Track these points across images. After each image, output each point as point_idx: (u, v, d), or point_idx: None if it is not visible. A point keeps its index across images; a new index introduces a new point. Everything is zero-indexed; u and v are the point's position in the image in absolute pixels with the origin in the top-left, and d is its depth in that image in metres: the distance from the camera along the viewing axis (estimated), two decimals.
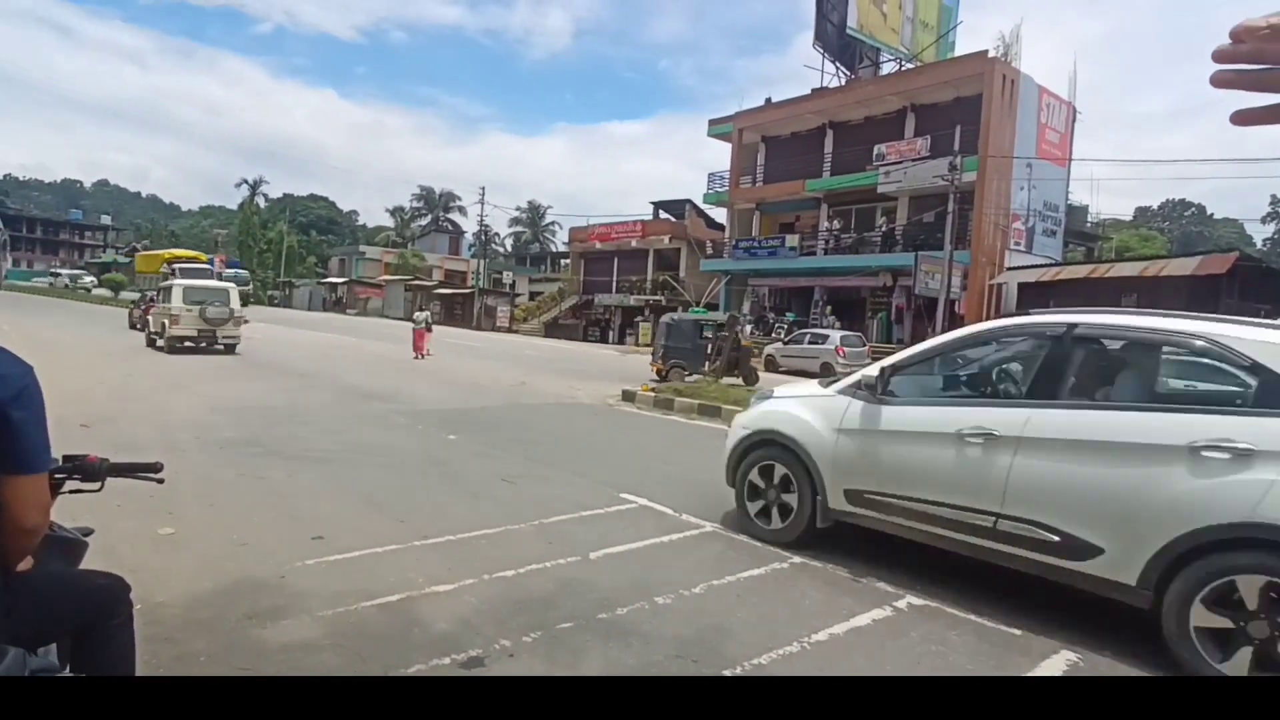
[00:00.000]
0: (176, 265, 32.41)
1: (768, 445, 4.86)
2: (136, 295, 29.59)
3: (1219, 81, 0.79)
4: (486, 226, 50.07)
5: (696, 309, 31.58)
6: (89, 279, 56.74)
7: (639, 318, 34.44)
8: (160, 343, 16.38)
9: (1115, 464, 3.36)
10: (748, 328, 16.64)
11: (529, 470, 6.62)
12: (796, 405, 4.88)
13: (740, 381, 15.07)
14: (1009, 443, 3.65)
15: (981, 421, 3.79)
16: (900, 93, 26.39)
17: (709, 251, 33.20)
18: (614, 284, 37.59)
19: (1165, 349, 3.73)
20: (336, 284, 57.25)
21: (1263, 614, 2.92)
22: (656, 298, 34.46)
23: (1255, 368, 3.20)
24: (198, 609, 3.40)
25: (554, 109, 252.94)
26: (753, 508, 4.93)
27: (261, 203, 71.91)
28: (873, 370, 4.38)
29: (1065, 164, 26.19)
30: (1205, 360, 3.51)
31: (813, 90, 30.22)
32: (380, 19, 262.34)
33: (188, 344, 15.91)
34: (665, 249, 35.67)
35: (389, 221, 70.50)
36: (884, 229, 26.42)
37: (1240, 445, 3.03)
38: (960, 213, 21.32)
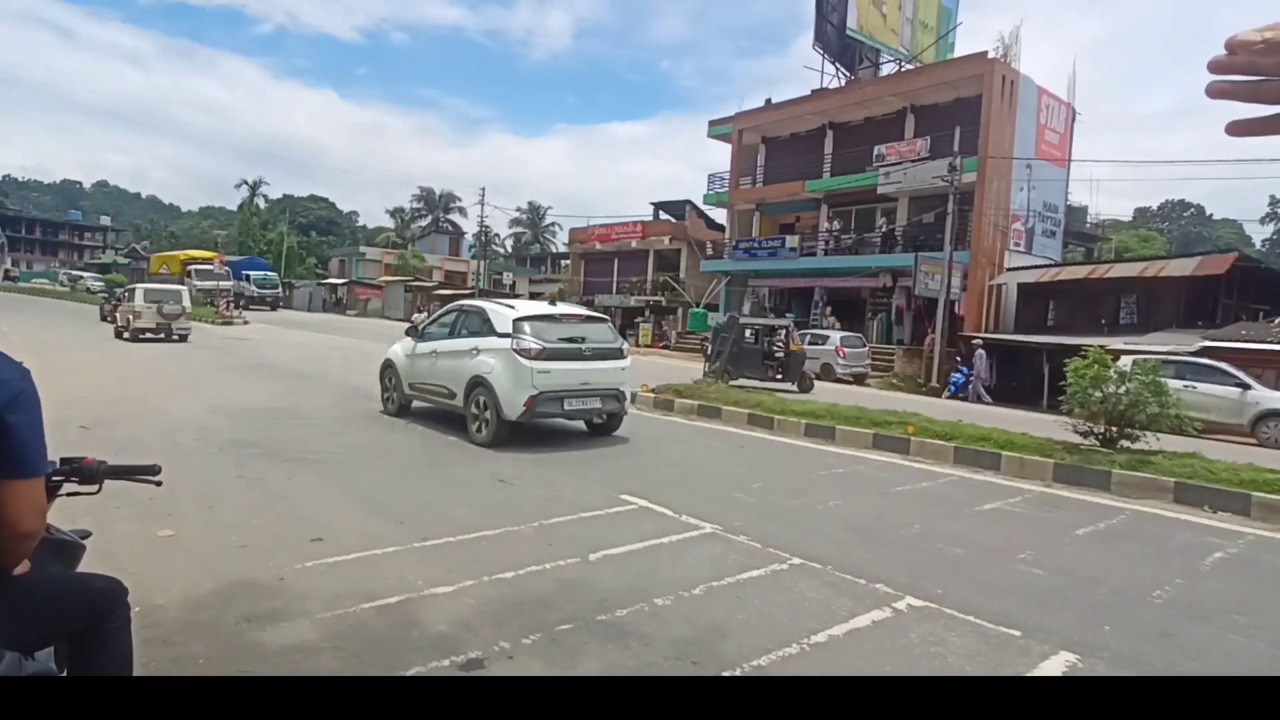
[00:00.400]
0: (193, 267, 34.93)
1: (390, 368, 9.45)
2: (106, 294, 32.77)
3: (1214, 92, 0.79)
4: (487, 227, 50.07)
5: (696, 310, 31.59)
6: (89, 279, 56.77)
7: (639, 318, 34.41)
8: (126, 334, 19.45)
9: (459, 359, 8.17)
10: (797, 332, 16.38)
11: (529, 471, 6.62)
12: (398, 346, 9.50)
13: (794, 388, 14.80)
14: (440, 354, 8.53)
15: (436, 347, 8.66)
16: (900, 93, 26.40)
17: (709, 252, 33.19)
18: (614, 285, 37.57)
19: (473, 311, 8.60)
20: (336, 285, 57.18)
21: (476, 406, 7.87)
22: (657, 298, 34.46)
23: (486, 318, 8.17)
24: (196, 611, 3.40)
25: (555, 110, 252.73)
26: (384, 396, 9.61)
27: (261, 204, 71.84)
28: (414, 324, 10.52)
29: (1065, 165, 26.19)
30: (480, 317, 8.36)
31: (812, 91, 30.21)
32: (381, 20, 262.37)
33: (148, 335, 19.20)
34: (665, 250, 35.66)
35: (389, 222, 70.44)
36: (884, 230, 26.41)
37: (478, 346, 7.93)
38: (960, 213, 21.31)
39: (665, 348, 30.78)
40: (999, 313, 23.49)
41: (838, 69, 30.07)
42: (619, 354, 8.34)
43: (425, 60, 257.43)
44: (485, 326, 8.07)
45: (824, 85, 30.30)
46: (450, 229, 65.30)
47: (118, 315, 20.75)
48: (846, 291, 26.96)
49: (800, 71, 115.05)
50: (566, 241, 47.14)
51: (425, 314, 21.08)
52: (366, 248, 64.13)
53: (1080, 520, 5.96)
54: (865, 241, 26.83)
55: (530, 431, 8.84)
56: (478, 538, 4.65)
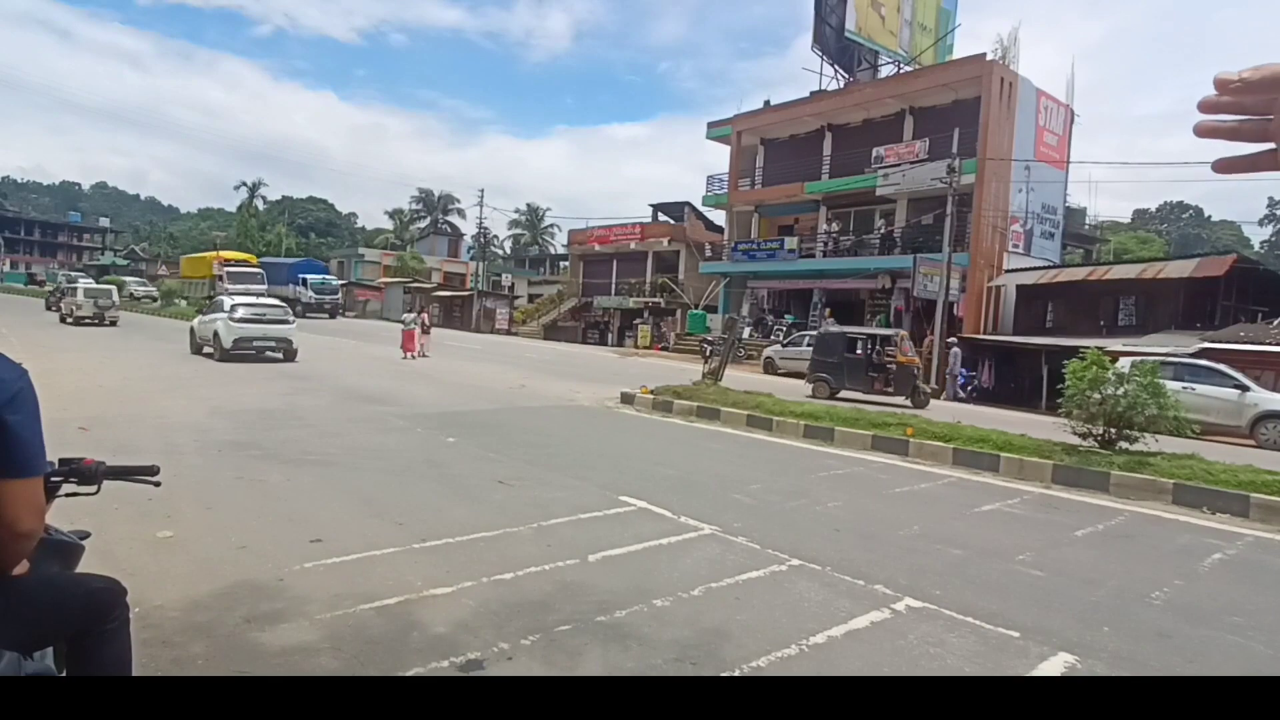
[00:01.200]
0: (228, 269, 34.75)
1: (191, 330, 17.23)
2: (51, 288, 36.94)
3: (1201, 131, 0.81)
4: (485, 229, 50.06)
5: (695, 311, 31.61)
6: (87, 280, 56.73)
7: (638, 320, 34.44)
8: (69, 320, 24.88)
9: (212, 323, 16.50)
10: (908, 341, 15.64)
11: (528, 473, 6.62)
12: (199, 318, 17.21)
13: (909, 404, 13.88)
14: (205, 321, 16.94)
15: (206, 318, 16.91)
16: (899, 95, 26.44)
17: (708, 254, 33.22)
18: (613, 286, 37.58)
19: (218, 299, 18.50)
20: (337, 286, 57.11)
21: None
22: (655, 300, 34.48)
23: (222, 303, 17.10)
24: (196, 612, 3.40)
25: (554, 111, 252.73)
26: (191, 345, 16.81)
27: (260, 205, 71.78)
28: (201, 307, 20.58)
29: (1064, 167, 26.23)
30: (221, 302, 17.39)
31: (811, 93, 30.26)
32: (380, 21, 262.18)
33: (86, 321, 24.52)
34: (664, 251, 35.69)
35: (388, 224, 70.37)
36: (883, 231, 26.46)
37: (217, 317, 16.57)
38: (959, 215, 21.32)
39: (664, 349, 30.79)
40: (998, 314, 23.51)
41: (836, 71, 30.11)
42: (287, 322, 16.65)
43: (424, 62, 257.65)
44: (221, 307, 16.45)
45: (823, 87, 30.35)
46: (449, 230, 65.25)
47: (62, 305, 26.76)
48: (845, 293, 27.00)
49: (799, 73, 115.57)
50: (565, 243, 47.16)
51: (414, 313, 22.03)
52: (365, 249, 64.11)
53: (1079, 521, 5.97)
54: (864, 243, 26.88)
55: (530, 434, 8.85)
56: (476, 539, 4.65)
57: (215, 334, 15.71)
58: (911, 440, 8.52)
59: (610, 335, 36.18)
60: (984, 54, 24.65)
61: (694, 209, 36.40)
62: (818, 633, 3.49)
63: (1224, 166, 0.84)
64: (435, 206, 67.52)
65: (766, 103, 31.74)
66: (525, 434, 8.79)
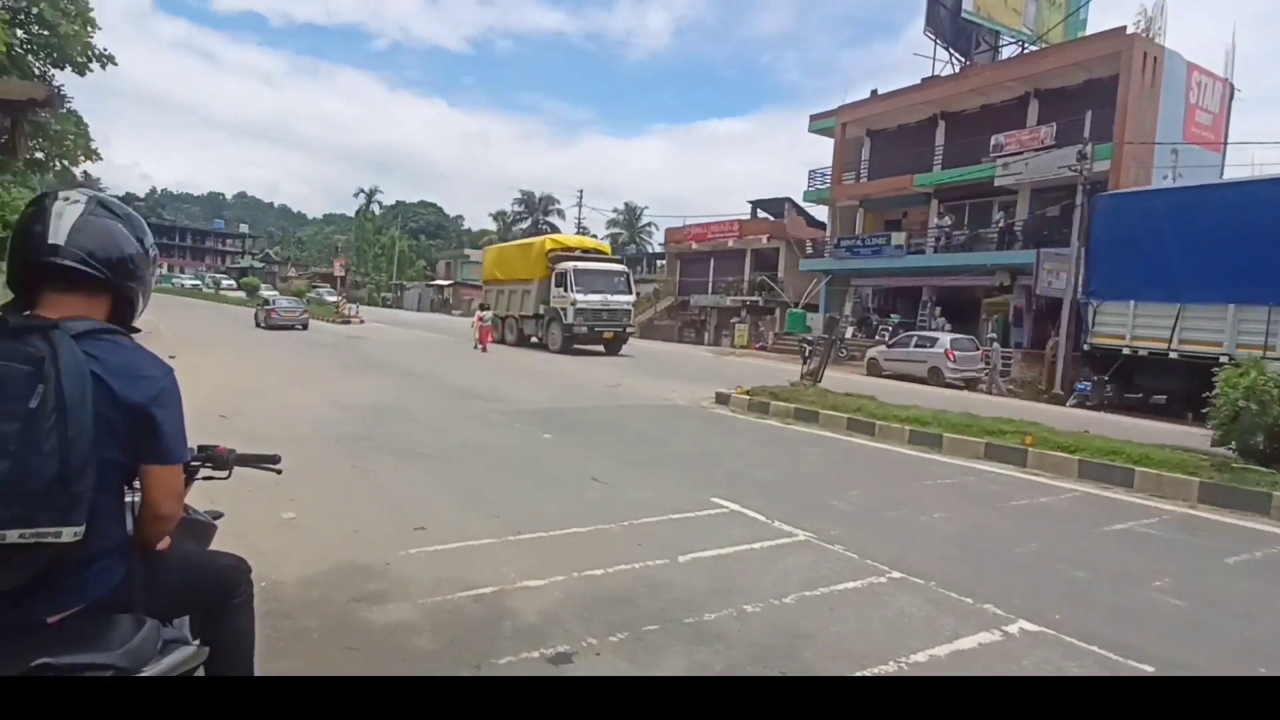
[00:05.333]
0: (574, 265, 21.56)
1: None
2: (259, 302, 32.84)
3: None
4: (584, 228, 51.08)
5: (794, 310, 30.90)
6: (225, 283, 62.29)
7: (735, 319, 34.07)
8: (262, 325, 26.50)
9: None
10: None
11: (621, 471, 6.66)
12: None
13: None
14: None
15: None
16: (1022, 78, 24.73)
17: (809, 251, 32.39)
18: (710, 284, 37.36)
19: None
20: (443, 286, 60.11)
21: None
22: (754, 298, 33.98)
23: None
24: (311, 589, 3.64)
25: (652, 110, 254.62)
26: None
27: (376, 210, 76.44)
28: None
29: (1220, 148, 23.66)
30: None
31: (923, 80, 28.84)
32: (487, 29, 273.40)
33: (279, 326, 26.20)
34: (763, 249, 35.11)
35: (492, 225, 73.14)
36: (1001, 225, 24.83)
37: None
38: (1090, 205, 19.70)
39: (762, 349, 30.30)
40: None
41: (951, 55, 28.55)
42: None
43: (528, 66, 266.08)
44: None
45: (935, 73, 28.87)
46: (549, 230, 66.97)
47: (259, 314, 27.97)
48: (958, 291, 25.57)
49: (909, 60, 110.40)
50: (663, 241, 47.30)
51: (491, 311, 24.07)
52: (471, 250, 66.88)
53: (1231, 547, 5.35)
54: (980, 238, 25.35)
55: (624, 432, 8.92)
56: (569, 534, 4.72)
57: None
58: (1030, 450, 7.94)
59: (707, 334, 35.99)
60: (1124, 27, 22.59)
61: (794, 205, 35.58)
62: (919, 651, 3.29)
63: None
64: (536, 207, 69.51)
65: (874, 92, 30.54)
66: (620, 432, 8.86)
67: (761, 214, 37.86)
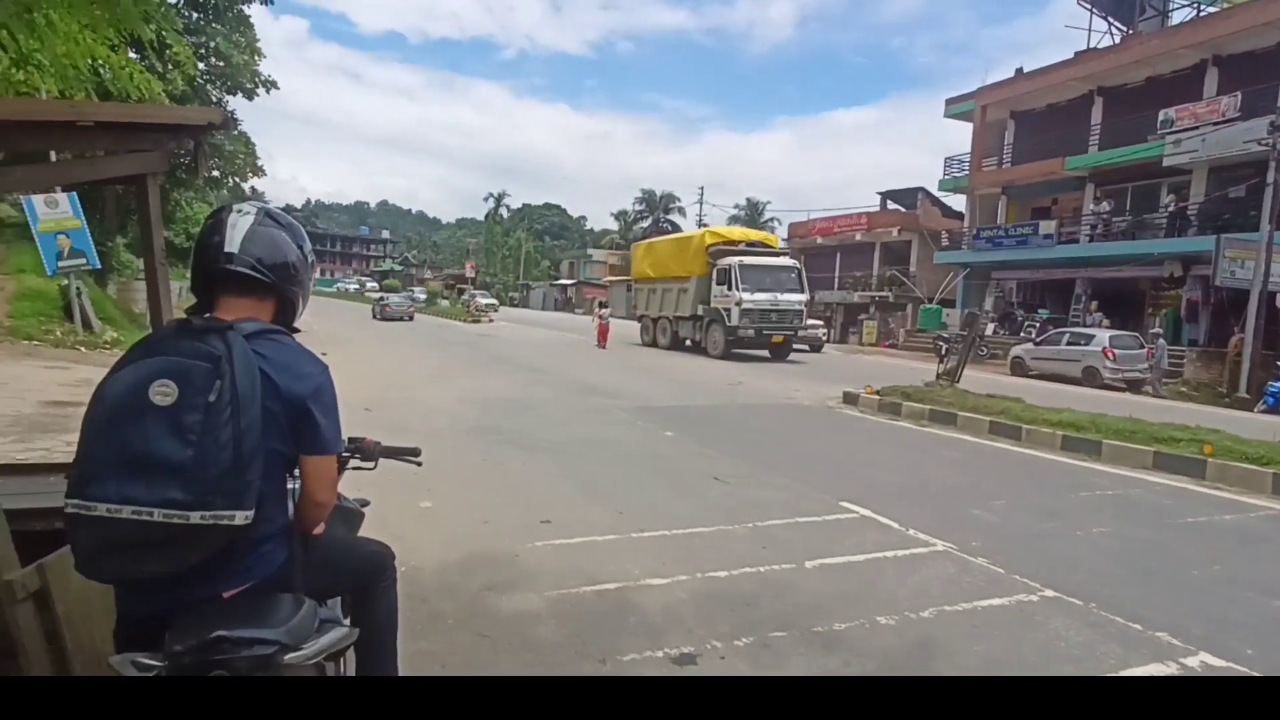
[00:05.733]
0: (733, 258, 18.98)
1: None
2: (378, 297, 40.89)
3: None
4: (705, 225, 50.83)
5: (928, 306, 29.23)
6: (372, 284, 67.45)
7: (863, 315, 32.71)
8: (379, 317, 33.12)
9: None
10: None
11: (744, 471, 6.55)
12: None
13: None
14: None
15: None
16: (1198, 44, 21.96)
17: (944, 243, 30.52)
18: (836, 280, 36.09)
19: None
20: (566, 285, 62.01)
21: None
22: (883, 294, 32.47)
23: None
24: (445, 575, 3.83)
25: (775, 102, 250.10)
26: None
27: (504, 213, 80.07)
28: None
29: None
30: None
31: (1076, 54, 26.33)
32: (609, 32, 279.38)
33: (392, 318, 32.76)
34: (893, 241, 33.48)
35: (613, 225, 74.54)
36: (1171, 209, 22.17)
37: None
38: None
39: (892, 346, 28.91)
40: None
41: (1110, 24, 25.92)
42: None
43: (649, 66, 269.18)
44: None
45: (1091, 45, 26.28)
46: (670, 228, 67.40)
47: (376, 308, 34.73)
48: (1118, 283, 23.15)
49: (1060, 34, 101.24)
50: (785, 236, 46.25)
51: (609, 309, 25.65)
52: (593, 250, 68.61)
53: None
54: (1145, 224, 22.81)
55: (747, 432, 8.77)
56: (692, 533, 4.69)
57: None
58: (1210, 460, 7.03)
59: (833, 331, 34.83)
60: None
61: (928, 194, 33.65)
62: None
63: None
64: (657, 206, 70.11)
65: (1019, 71, 28.25)
66: (743, 431, 8.72)
67: (892, 205, 36.13)
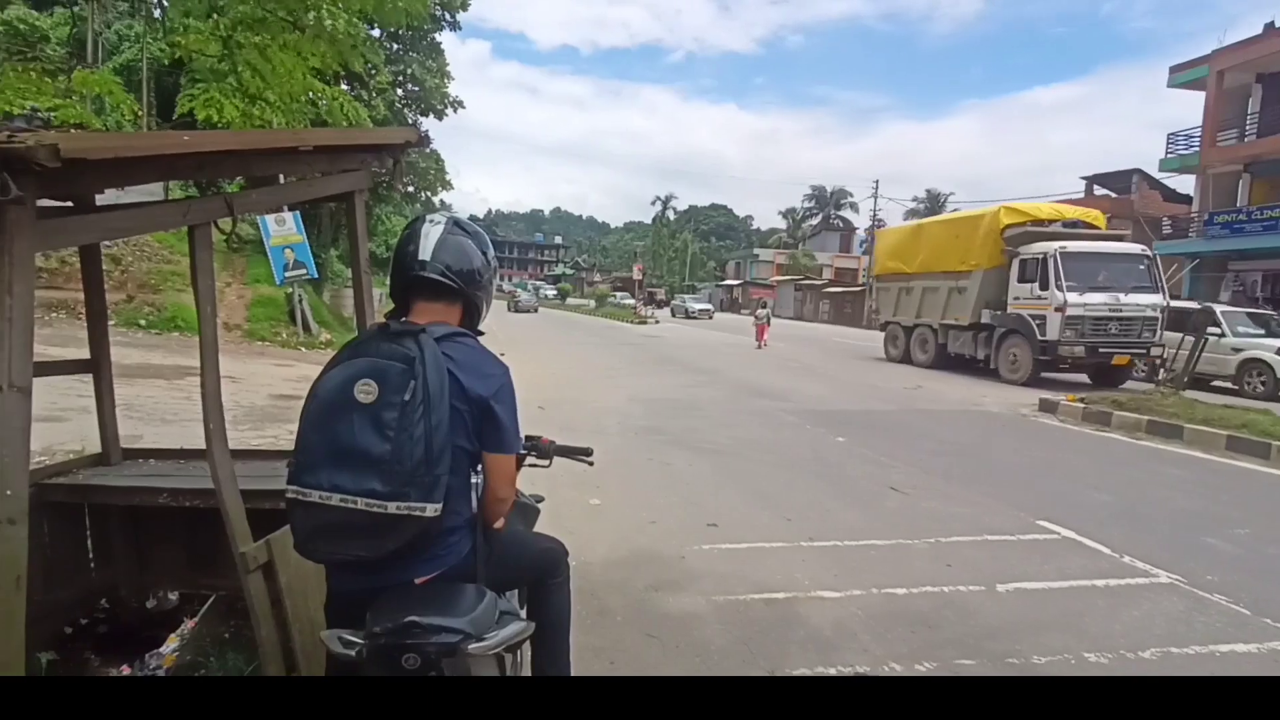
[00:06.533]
0: (1049, 244, 13.73)
1: None
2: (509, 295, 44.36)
3: None
4: (880, 220, 48.25)
5: None
6: (548, 289, 71.30)
7: None
8: (513, 310, 40.21)
9: None
10: None
11: (923, 482, 6.11)
12: None
13: None
14: None
15: None
16: None
17: (1165, 231, 26.59)
18: None
19: None
20: (732, 286, 61.72)
21: None
22: None
23: None
24: (613, 571, 3.92)
25: (959, 86, 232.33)
26: None
27: (671, 215, 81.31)
28: None
29: None
30: None
31: None
32: (778, 26, 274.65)
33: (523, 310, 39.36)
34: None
35: (781, 223, 73.18)
36: None
37: None
38: None
39: None
40: None
41: None
42: None
43: (819, 58, 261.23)
44: None
45: None
46: (840, 225, 64.95)
47: (510, 303, 41.10)
48: None
49: None
50: None
51: (768, 309, 24.09)
52: (760, 249, 67.71)
53: None
54: None
55: (927, 440, 8.20)
56: (866, 545, 4.45)
57: None
58: None
59: None
60: None
61: (1145, 177, 29.55)
62: None
63: None
64: (827, 202, 67.83)
65: (1269, 25, 23.95)
66: (921, 439, 8.16)
67: (1100, 190, 32.12)
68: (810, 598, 3.63)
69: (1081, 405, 9.86)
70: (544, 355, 17.28)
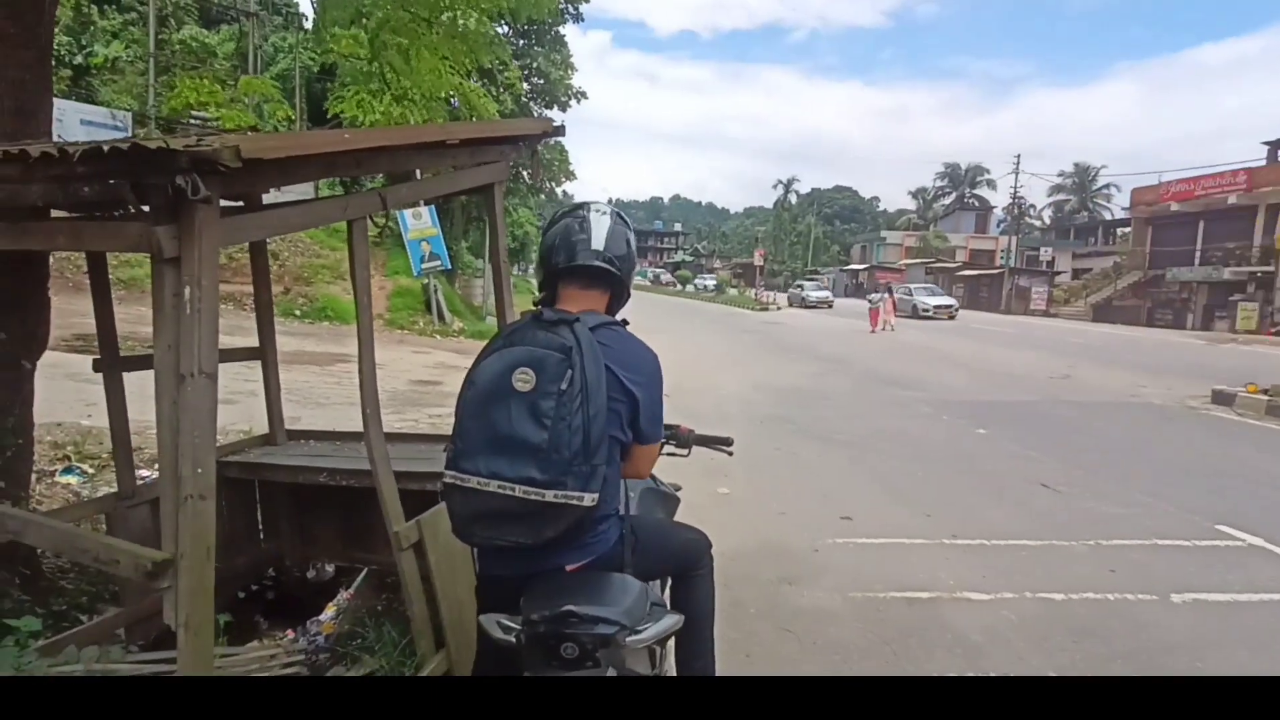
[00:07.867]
0: None
1: None
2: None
3: None
4: (1020, 198, 44.58)
5: None
6: (666, 276, 71.30)
7: (1237, 295, 26.01)
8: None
9: None
10: None
11: (1077, 479, 5.59)
12: None
13: None
14: None
15: None
16: None
17: None
18: (1197, 254, 29.25)
19: None
20: (858, 270, 59.26)
21: None
22: (1267, 268, 25.46)
23: None
24: (742, 563, 3.85)
25: (1112, 48, 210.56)
26: None
27: (793, 199, 79.07)
28: None
29: None
30: None
31: None
32: None
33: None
34: None
35: (910, 204, 69.45)
36: None
37: None
38: None
39: (1278, 334, 22.62)
40: None
41: None
42: None
43: (952, 28, 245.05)
44: None
45: None
46: (976, 205, 60.63)
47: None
48: None
49: None
50: (1126, 205, 38.82)
51: (880, 295, 22.89)
52: (887, 232, 64.58)
53: None
54: None
55: (1078, 433, 7.53)
56: (1017, 545, 4.12)
57: None
58: None
59: (1191, 316, 28.36)
60: None
61: None
62: None
63: None
64: (962, 180, 63.65)
65: None
66: (1072, 433, 7.48)
67: None
68: (955, 599, 3.41)
69: (1265, 398, 8.69)
70: (668, 344, 17.38)
